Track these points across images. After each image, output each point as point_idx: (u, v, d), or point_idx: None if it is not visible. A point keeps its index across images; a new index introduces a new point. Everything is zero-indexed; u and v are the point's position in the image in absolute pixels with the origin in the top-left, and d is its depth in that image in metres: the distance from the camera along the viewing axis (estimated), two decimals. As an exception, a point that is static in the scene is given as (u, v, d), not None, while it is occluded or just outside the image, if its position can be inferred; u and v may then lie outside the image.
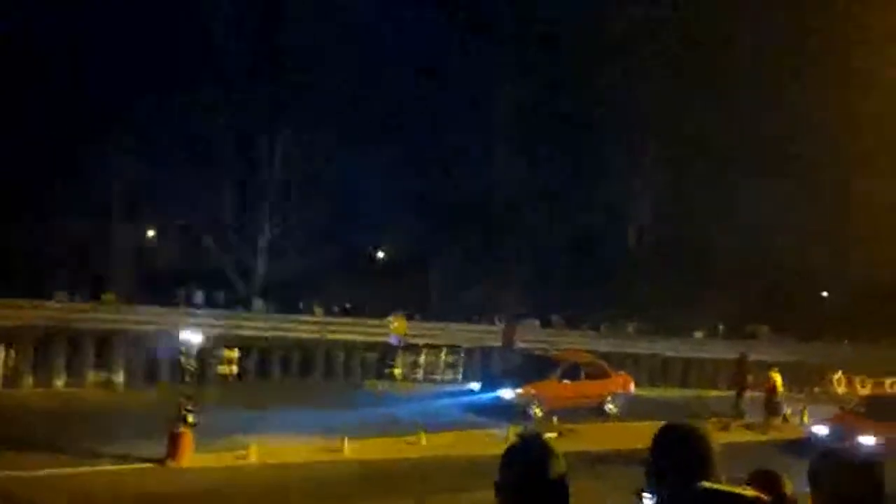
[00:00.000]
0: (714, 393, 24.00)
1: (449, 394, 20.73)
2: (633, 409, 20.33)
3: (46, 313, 22.48)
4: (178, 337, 13.59)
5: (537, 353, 23.22)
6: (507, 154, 33.55)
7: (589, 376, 20.11)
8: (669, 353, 28.79)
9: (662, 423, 2.59)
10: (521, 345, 25.77)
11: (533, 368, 20.58)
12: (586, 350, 25.84)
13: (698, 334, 34.24)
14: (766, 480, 3.24)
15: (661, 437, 2.44)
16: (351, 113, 28.99)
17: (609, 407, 19.98)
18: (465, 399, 19.66)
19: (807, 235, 32.16)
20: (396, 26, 31.86)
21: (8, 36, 25.95)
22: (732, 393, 20.94)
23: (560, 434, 16.40)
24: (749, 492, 2.32)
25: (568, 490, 2.27)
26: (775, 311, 34.35)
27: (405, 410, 17.85)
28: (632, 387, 21.16)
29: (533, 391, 18.94)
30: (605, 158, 34.11)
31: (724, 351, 26.87)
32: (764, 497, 2.26)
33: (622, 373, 22.16)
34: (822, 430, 17.03)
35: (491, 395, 19.15)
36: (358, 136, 29.90)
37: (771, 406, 19.56)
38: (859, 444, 14.23)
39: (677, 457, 2.35)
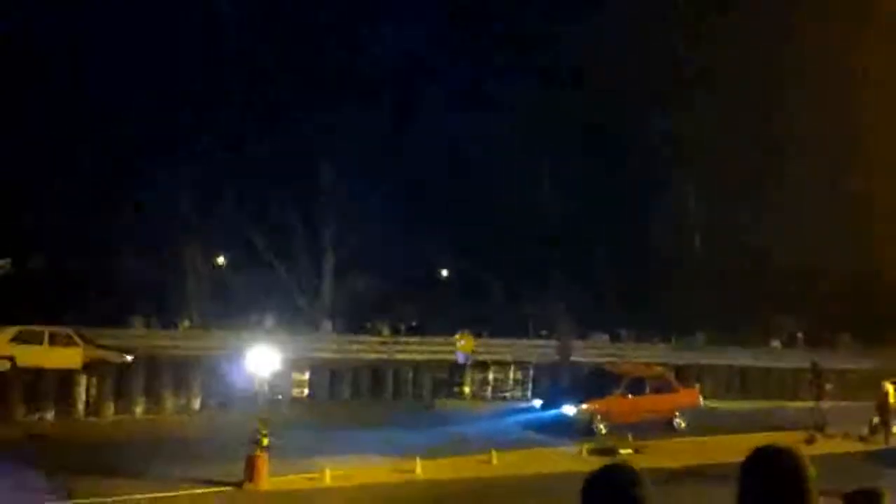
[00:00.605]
0: (794, 404, 23.12)
1: (513, 411, 20.36)
2: (709, 423, 19.77)
3: (125, 342, 23.31)
4: (251, 361, 13.78)
5: (602, 367, 22.72)
6: (558, 168, 33.58)
7: (655, 390, 19.44)
8: (746, 363, 27.90)
9: (740, 436, 2.47)
10: (577, 359, 25.28)
11: (597, 383, 19.95)
12: (658, 363, 25.34)
13: (775, 343, 33.18)
14: (861, 500, 3.04)
15: (752, 461, 2.32)
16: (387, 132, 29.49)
17: (677, 422, 19.25)
18: (528, 416, 19.21)
19: (875, 239, 30.93)
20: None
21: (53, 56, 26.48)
22: (812, 404, 20.17)
23: (636, 451, 16.08)
24: None
25: None
26: (855, 317, 33.01)
27: (472, 429, 17.67)
28: (700, 400, 20.42)
29: (596, 407, 18.43)
30: (656, 172, 33.77)
31: (803, 360, 25.88)
32: None
33: (692, 386, 21.61)
34: None
35: (553, 411, 18.68)
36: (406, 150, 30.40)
37: (883, 417, 18.76)
38: None
39: (769, 481, 2.23)
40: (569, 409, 18.45)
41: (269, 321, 28.15)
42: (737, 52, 31.22)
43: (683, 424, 19.22)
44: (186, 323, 27.01)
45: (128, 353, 20.38)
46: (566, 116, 32.48)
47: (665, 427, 18.79)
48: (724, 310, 32.47)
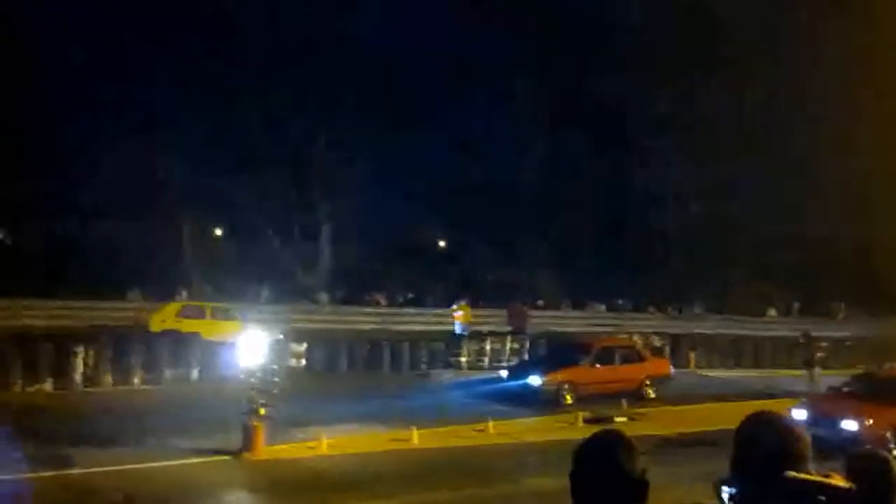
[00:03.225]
0: (788, 372, 23.30)
1: (483, 382, 19.94)
2: (703, 391, 19.95)
3: (122, 313, 23.38)
4: (241, 349, 13.79)
5: (571, 338, 22.72)
6: (540, 138, 33.54)
7: (623, 360, 19.30)
8: (741, 332, 28.09)
9: (733, 405, 2.47)
10: (531, 328, 25.16)
11: (564, 354, 19.92)
12: (654, 332, 25.49)
13: (772, 312, 33.39)
14: (868, 464, 2.98)
15: (745, 426, 2.32)
16: (378, 106, 29.30)
17: (647, 391, 19.07)
18: (493, 387, 18.90)
19: (869, 207, 30.97)
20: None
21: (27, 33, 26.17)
22: (806, 372, 20.33)
23: (631, 419, 16.21)
24: (838, 480, 2.20)
25: (648, 487, 2.18)
26: (852, 286, 33.13)
27: (427, 401, 17.56)
28: (670, 370, 20.26)
29: (561, 377, 18.24)
30: (641, 142, 33.71)
31: (798, 329, 26.05)
32: (853, 487, 2.13)
33: (662, 356, 21.63)
34: (801, 413, 13.43)
35: (519, 382, 18.48)
36: (399, 126, 30.23)
37: None
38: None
39: (761, 446, 2.24)
40: (534, 380, 18.23)
41: (266, 293, 28.20)
42: (724, 22, 30.96)
43: (653, 394, 19.01)
44: (184, 294, 27.00)
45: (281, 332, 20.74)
46: (558, 89, 32.33)
47: (636, 396, 18.46)
48: (721, 279, 32.64)
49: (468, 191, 32.84)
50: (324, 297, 30.64)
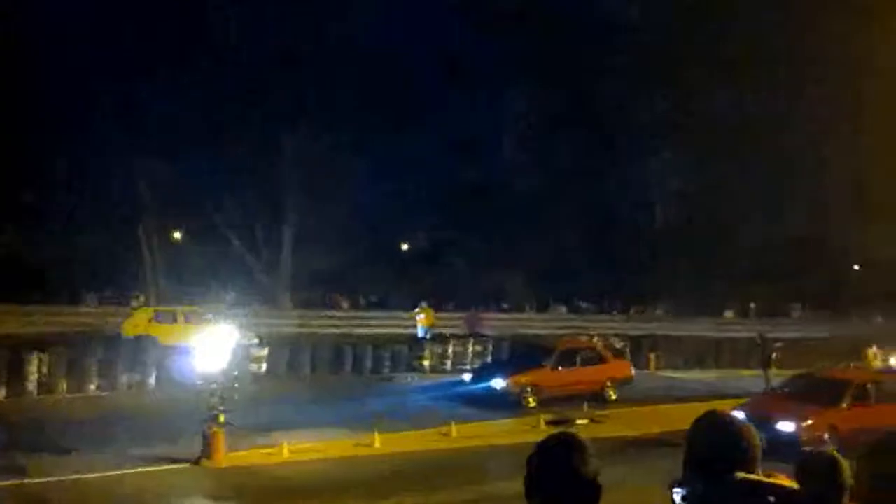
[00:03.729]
0: (746, 372, 23.70)
1: (447, 385, 19.95)
2: (667, 392, 20.17)
3: (77, 319, 22.91)
4: (198, 357, 13.56)
5: (533, 341, 22.84)
6: (522, 140, 33.59)
7: (585, 362, 19.41)
8: (701, 334, 28.50)
9: (693, 405, 2.49)
10: (486, 331, 25.24)
11: (527, 357, 19.99)
12: (615, 334, 25.73)
13: (729, 314, 33.96)
14: (818, 466, 3.01)
15: (696, 428, 2.35)
16: (369, 105, 29.03)
17: (608, 393, 19.18)
18: (456, 390, 18.94)
19: (829, 210, 31.69)
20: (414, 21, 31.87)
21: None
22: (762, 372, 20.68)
23: (592, 420, 16.33)
24: (783, 481, 2.23)
25: (601, 488, 2.18)
26: (806, 287, 33.86)
27: (389, 403, 17.52)
28: (631, 371, 20.41)
29: (524, 380, 18.28)
30: (621, 143, 34.01)
31: (757, 330, 26.53)
32: (799, 489, 2.16)
33: (623, 357, 21.88)
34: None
35: (482, 385, 18.47)
36: (375, 129, 29.96)
37: None
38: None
39: (712, 448, 2.26)
40: (497, 383, 18.25)
41: (231, 296, 27.90)
42: (715, 27, 31.38)
43: (614, 396, 19.15)
44: (142, 299, 26.58)
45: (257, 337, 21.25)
46: (564, 94, 32.41)
47: (598, 398, 18.53)
48: (681, 281, 33.04)
49: (459, 192, 32.69)
50: (286, 300, 30.39)
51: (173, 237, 33.25)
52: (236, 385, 13.15)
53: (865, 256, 34.10)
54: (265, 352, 20.96)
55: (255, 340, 21.08)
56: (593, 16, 31.76)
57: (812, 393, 14.84)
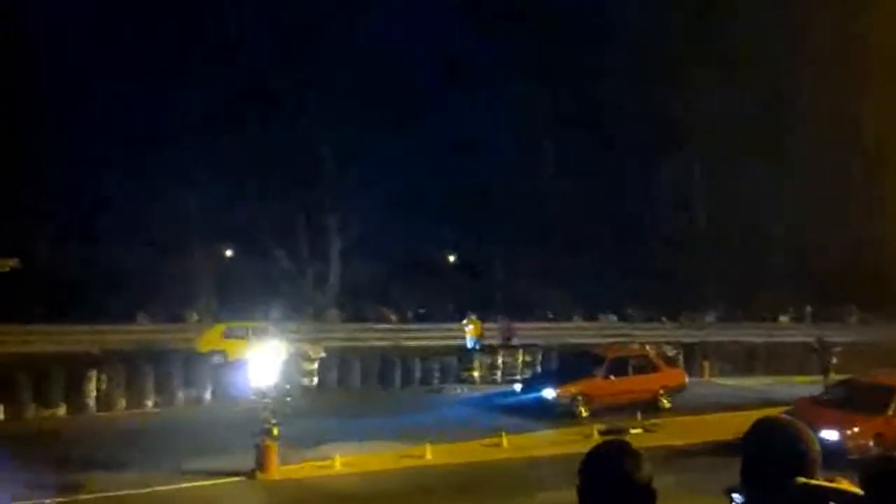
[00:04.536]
0: (800, 378, 23.11)
1: (496, 395, 19.87)
2: (720, 400, 19.78)
3: (133, 336, 23.45)
4: (252, 371, 13.76)
5: (584, 349, 22.54)
6: (560, 147, 33.56)
7: (637, 371, 19.03)
8: (754, 340, 27.87)
9: (748, 413, 2.45)
10: (517, 340, 24.86)
11: (577, 365, 19.61)
12: (667, 342, 25.35)
13: (784, 319, 33.17)
14: (882, 467, 2.92)
15: (753, 433, 2.31)
16: (394, 110, 29.38)
17: (662, 402, 18.84)
18: (508, 400, 18.76)
19: (873, 207, 30.83)
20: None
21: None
22: (819, 378, 20.14)
23: (646, 430, 16.09)
24: (848, 486, 2.18)
25: (655, 495, 2.16)
26: (861, 291, 32.90)
27: (442, 416, 17.51)
28: (685, 379, 20.05)
29: (574, 389, 17.99)
30: (658, 149, 33.67)
31: (811, 335, 25.84)
32: (859, 493, 2.11)
33: (676, 365, 21.52)
34: None
35: (533, 395, 18.24)
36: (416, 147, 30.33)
37: None
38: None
39: (770, 453, 2.22)
40: (548, 393, 18.03)
41: (276, 312, 28.22)
42: (739, 28, 31.03)
43: (668, 404, 18.81)
44: (195, 316, 27.07)
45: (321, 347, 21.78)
46: (566, 94, 32.38)
47: (651, 407, 18.25)
48: (732, 286, 32.45)
49: (483, 202, 32.82)
50: (334, 313, 30.66)
51: (223, 254, 33.88)
52: (288, 399, 13.31)
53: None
54: (316, 365, 21.16)
55: (323, 354, 21.36)
56: (594, 16, 31.65)
57: (857, 400, 14.44)
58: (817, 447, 2.24)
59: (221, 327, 23.12)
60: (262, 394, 12.98)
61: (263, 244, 31.04)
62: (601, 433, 15.10)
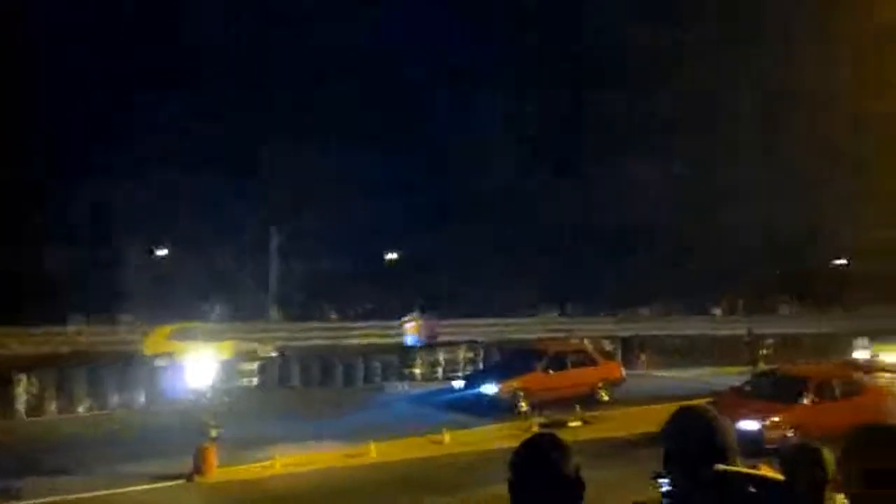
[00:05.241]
0: (735, 370, 23.82)
1: (439, 392, 19.95)
2: (658, 392, 20.21)
3: (65, 339, 22.75)
4: (189, 372, 13.53)
5: (523, 345, 22.80)
6: (505, 150, 33.85)
7: (576, 365, 19.39)
8: (689, 333, 28.63)
9: (683, 403, 2.55)
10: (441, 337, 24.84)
11: (517, 361, 19.83)
12: (606, 336, 25.82)
13: (717, 311, 34.12)
14: (800, 455, 3.05)
15: (671, 423, 2.40)
16: (352, 117, 29.12)
17: (601, 395, 19.20)
18: (449, 397, 18.86)
19: (817, 206, 32.00)
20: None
21: None
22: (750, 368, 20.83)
23: (585, 422, 16.38)
24: (766, 472, 2.28)
25: (583, 484, 2.22)
26: (793, 282, 34.12)
27: (387, 414, 17.50)
28: (622, 373, 20.46)
29: (515, 384, 18.22)
30: (603, 149, 34.35)
31: (746, 326, 26.69)
32: (779, 478, 2.21)
33: (613, 359, 21.95)
34: None
35: (474, 391, 18.42)
36: (359, 139, 30.05)
37: None
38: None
39: (689, 441, 2.32)
40: (489, 388, 18.23)
41: (217, 311, 27.76)
42: (713, 31, 31.77)
43: (606, 397, 19.15)
44: (129, 318, 26.41)
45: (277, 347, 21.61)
46: (532, 86, 32.64)
47: (589, 400, 18.41)
48: (670, 280, 33.23)
49: (431, 201, 32.87)
50: (275, 312, 30.29)
51: (156, 253, 33.12)
52: (227, 399, 13.12)
53: (854, 251, 34.46)
54: (255, 365, 20.90)
55: (274, 353, 21.07)
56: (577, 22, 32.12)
57: (776, 391, 14.83)
58: (732, 435, 2.33)
59: (168, 329, 22.53)
60: (200, 395, 12.77)
61: (201, 242, 30.42)
62: (541, 427, 15.31)
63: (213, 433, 12.39)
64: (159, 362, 20.04)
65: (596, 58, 32.09)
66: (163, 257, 33.04)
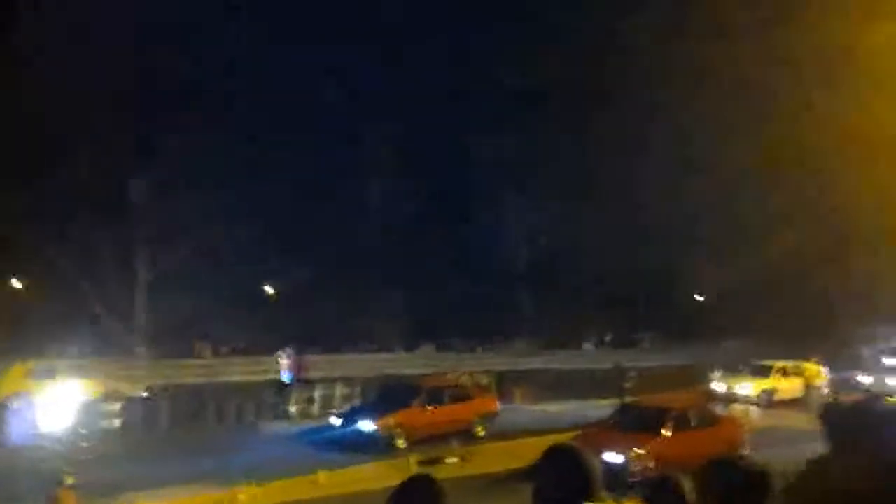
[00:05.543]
0: (605, 402, 24.64)
1: (315, 430, 19.43)
2: (532, 425, 20.59)
3: None
4: (40, 414, 12.66)
5: (399, 380, 22.76)
6: (385, 181, 34.19)
7: (453, 400, 19.34)
8: (561, 367, 29.46)
9: (554, 437, 2.61)
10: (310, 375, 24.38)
11: (395, 397, 19.48)
12: (481, 371, 26.16)
13: (587, 346, 35.35)
14: (662, 486, 3.18)
15: (542, 460, 2.47)
16: (222, 147, 28.52)
17: (477, 430, 19.22)
18: (326, 435, 18.42)
19: (675, 243, 33.85)
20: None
21: None
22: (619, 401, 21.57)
23: (462, 458, 16.41)
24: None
25: None
26: (656, 316, 35.88)
27: (259, 455, 16.81)
28: (497, 406, 20.61)
29: (392, 421, 17.93)
30: (481, 187, 35.38)
31: (613, 360, 27.80)
32: None
33: (489, 393, 22.20)
34: None
35: (351, 428, 18.01)
36: (229, 173, 29.48)
37: None
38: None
39: (557, 478, 2.38)
40: (366, 425, 17.89)
41: (76, 349, 26.19)
42: (559, 73, 33.07)
43: (482, 432, 19.20)
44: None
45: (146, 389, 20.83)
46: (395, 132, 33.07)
47: (466, 435, 18.40)
48: (544, 315, 34.24)
49: (310, 235, 32.42)
50: (142, 350, 28.88)
51: (11, 285, 30.95)
52: (84, 444, 12.32)
53: (712, 287, 36.66)
54: (118, 406, 19.75)
55: (145, 394, 19.94)
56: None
57: (637, 423, 15.10)
58: (598, 471, 2.42)
59: (24, 367, 20.69)
60: (54, 439, 11.93)
61: (63, 275, 28.61)
62: (419, 464, 15.24)
63: (69, 480, 11.57)
64: (13, 403, 18.59)
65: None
66: (17, 289, 30.91)
